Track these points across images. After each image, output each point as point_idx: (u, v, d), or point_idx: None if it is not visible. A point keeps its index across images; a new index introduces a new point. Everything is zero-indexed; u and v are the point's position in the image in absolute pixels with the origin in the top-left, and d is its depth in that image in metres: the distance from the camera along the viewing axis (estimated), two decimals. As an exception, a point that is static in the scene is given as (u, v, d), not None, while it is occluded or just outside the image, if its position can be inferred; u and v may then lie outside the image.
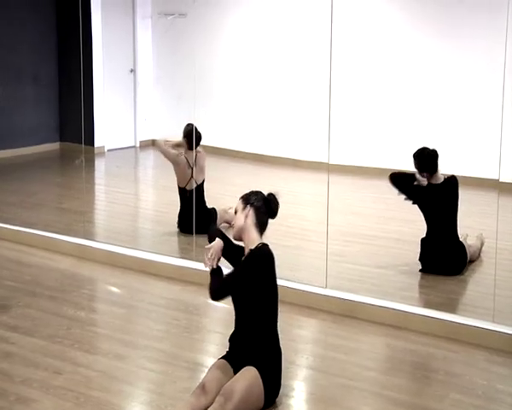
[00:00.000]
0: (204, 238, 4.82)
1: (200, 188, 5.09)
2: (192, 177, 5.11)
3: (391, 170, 6.94)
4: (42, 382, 2.97)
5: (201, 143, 5.22)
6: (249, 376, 2.69)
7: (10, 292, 4.02)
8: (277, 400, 2.89)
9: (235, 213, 2.89)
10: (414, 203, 4.53)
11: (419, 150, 4.48)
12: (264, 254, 2.80)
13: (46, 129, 8.41)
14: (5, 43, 7.70)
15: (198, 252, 4.87)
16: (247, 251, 2.85)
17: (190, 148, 5.14)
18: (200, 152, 5.17)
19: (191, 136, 5.10)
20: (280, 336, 2.88)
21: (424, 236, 4.49)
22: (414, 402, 2.92)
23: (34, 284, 4.19)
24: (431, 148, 4.47)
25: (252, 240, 2.84)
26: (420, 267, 4.41)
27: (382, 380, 3.14)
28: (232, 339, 2.89)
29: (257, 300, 2.79)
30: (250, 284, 2.78)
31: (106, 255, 4.68)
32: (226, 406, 2.56)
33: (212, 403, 2.60)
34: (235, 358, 2.81)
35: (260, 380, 2.71)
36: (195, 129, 5.11)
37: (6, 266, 4.07)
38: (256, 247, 2.82)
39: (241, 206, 2.89)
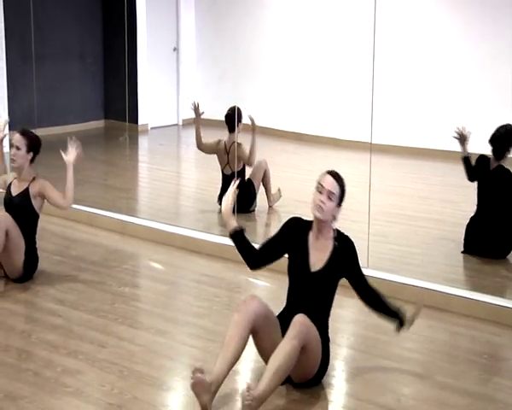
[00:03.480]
0: (243, 217, 4.85)
1: (239, 173, 5.01)
2: (228, 163, 5.08)
3: (432, 150, 6.83)
4: (87, 354, 3.01)
5: (243, 121, 5.16)
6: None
7: (57, 266, 4.09)
8: (317, 379, 2.87)
9: (328, 198, 2.74)
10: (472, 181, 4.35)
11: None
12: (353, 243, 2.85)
13: (91, 107, 8.50)
14: (52, 22, 7.77)
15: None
16: (321, 234, 2.78)
17: (229, 130, 5.09)
18: (238, 144, 5.06)
19: (228, 119, 5.05)
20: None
21: (472, 216, 4.35)
22: (456, 385, 2.85)
23: (79, 259, 4.25)
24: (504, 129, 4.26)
25: (331, 226, 2.82)
26: (462, 249, 4.29)
27: (424, 362, 3.08)
28: (285, 317, 2.83)
29: (334, 285, 2.83)
30: (339, 269, 2.81)
31: (148, 232, 4.71)
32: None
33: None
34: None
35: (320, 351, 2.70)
36: (236, 109, 5.04)
37: (53, 241, 4.14)
38: (340, 233, 2.83)
39: (337, 190, 2.76)
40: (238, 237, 2.85)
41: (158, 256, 4.44)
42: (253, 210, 5.17)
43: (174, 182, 6.50)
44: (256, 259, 2.88)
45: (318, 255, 2.80)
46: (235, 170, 5.01)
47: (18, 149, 3.80)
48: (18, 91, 7.14)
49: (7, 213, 3.72)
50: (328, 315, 2.87)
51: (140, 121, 8.23)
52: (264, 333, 2.73)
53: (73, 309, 3.50)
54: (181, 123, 8.56)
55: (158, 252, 4.49)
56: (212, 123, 7.74)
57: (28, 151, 3.82)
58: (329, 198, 2.74)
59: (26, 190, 3.82)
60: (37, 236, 3.89)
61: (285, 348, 2.55)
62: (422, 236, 4.67)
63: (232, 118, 5.03)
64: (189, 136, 8.77)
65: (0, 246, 3.58)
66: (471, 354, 3.16)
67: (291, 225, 2.88)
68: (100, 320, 3.38)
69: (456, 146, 5.97)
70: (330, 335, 3.22)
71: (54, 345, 3.10)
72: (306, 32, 7.70)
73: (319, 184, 2.76)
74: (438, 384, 2.86)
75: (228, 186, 4.96)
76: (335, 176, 2.78)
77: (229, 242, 4.35)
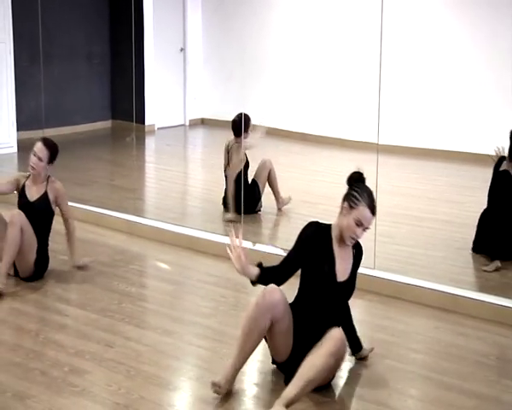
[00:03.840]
0: (249, 218, 4.84)
1: (238, 175, 4.95)
2: (228, 164, 5.06)
3: (438, 150, 6.81)
4: (94, 354, 3.01)
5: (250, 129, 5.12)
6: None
7: (64, 266, 4.09)
8: (324, 380, 2.86)
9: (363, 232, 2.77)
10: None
11: None
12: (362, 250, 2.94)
13: (98, 107, 8.51)
14: (59, 22, 7.79)
15: (245, 231, 4.86)
16: (344, 243, 2.79)
17: (234, 134, 5.06)
18: (237, 146, 5.03)
19: (233, 125, 5.01)
20: (327, 316, 2.83)
21: (480, 218, 4.31)
22: (463, 387, 2.84)
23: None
24: None
25: None
26: (471, 248, 4.27)
27: (430, 363, 3.06)
28: (300, 319, 2.79)
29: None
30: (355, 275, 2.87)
31: (155, 232, 4.71)
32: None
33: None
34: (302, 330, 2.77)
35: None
36: (242, 117, 5.00)
37: (60, 241, 4.14)
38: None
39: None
40: (263, 277, 2.77)
41: (164, 256, 4.44)
42: (259, 210, 5.15)
43: (181, 182, 6.50)
44: (281, 278, 2.80)
45: (343, 264, 2.80)
46: (233, 172, 4.95)
47: (40, 160, 3.81)
48: (26, 91, 7.15)
49: (20, 211, 3.72)
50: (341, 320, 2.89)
51: (147, 122, 8.24)
52: (281, 327, 2.70)
53: (80, 309, 3.50)
54: (188, 123, 8.56)
55: (164, 252, 4.49)
56: (218, 123, 7.75)
57: (49, 162, 3.85)
58: (363, 232, 2.77)
59: (45, 195, 3.86)
60: (50, 235, 3.93)
61: (322, 363, 2.53)
62: (429, 236, 4.65)
63: (238, 125, 4.99)
64: (196, 136, 8.81)
65: (17, 244, 3.60)
66: (478, 356, 3.14)
67: (312, 233, 2.79)
68: (107, 320, 3.38)
69: (463, 147, 5.99)
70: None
71: (61, 345, 3.10)
72: (313, 33, 7.69)
73: (359, 220, 2.71)
74: (445, 386, 2.84)
75: (227, 187, 5.00)
76: (373, 211, 2.75)
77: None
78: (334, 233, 2.81)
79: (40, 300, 3.63)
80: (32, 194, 3.86)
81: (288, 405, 2.47)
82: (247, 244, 4.37)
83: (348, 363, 3.03)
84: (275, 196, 5.16)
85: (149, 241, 4.67)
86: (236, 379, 2.75)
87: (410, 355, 3.12)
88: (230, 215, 4.89)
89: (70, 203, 5.06)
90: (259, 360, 3.07)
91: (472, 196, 5.40)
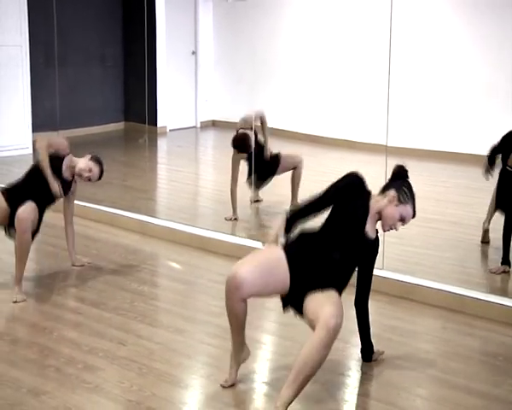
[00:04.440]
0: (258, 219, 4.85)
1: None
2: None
3: (447, 153, 6.78)
4: (107, 352, 3.03)
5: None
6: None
7: (79, 265, 4.12)
8: (331, 378, 2.86)
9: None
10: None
11: None
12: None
13: (112, 109, 8.55)
14: (73, 25, 7.83)
15: (256, 231, 4.87)
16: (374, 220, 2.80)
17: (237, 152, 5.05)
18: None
19: (233, 143, 4.98)
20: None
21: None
22: (471, 387, 2.83)
23: (100, 258, 4.28)
24: None
25: None
26: (480, 249, 4.26)
27: (438, 363, 3.05)
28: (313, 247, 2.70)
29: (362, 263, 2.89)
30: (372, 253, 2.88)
31: (167, 232, 4.73)
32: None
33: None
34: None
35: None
36: (242, 140, 4.97)
37: (75, 241, 4.16)
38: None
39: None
40: (288, 226, 2.76)
41: (176, 256, 4.45)
42: (261, 187, 5.17)
43: (192, 183, 6.52)
44: (309, 214, 2.77)
45: (372, 228, 2.79)
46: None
47: (89, 180, 3.90)
48: (41, 94, 7.20)
49: (34, 206, 3.66)
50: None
51: (159, 123, 8.27)
52: (265, 290, 2.66)
53: (94, 307, 3.53)
54: (199, 125, 8.58)
55: (176, 252, 4.50)
56: (229, 125, 7.75)
57: (98, 179, 3.95)
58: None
59: (71, 183, 3.95)
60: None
61: (315, 357, 2.41)
62: (437, 237, 4.63)
63: (236, 144, 4.97)
64: (207, 138, 8.82)
65: (28, 250, 3.60)
66: (485, 356, 3.13)
67: (358, 181, 2.80)
68: (120, 318, 3.39)
69: (470, 149, 5.94)
70: (345, 335, 3.23)
71: (75, 342, 3.12)
72: (322, 35, 7.68)
73: (403, 216, 2.78)
74: (452, 385, 2.83)
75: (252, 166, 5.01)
76: (415, 213, 2.85)
77: (245, 242, 4.41)
78: (373, 205, 2.78)
79: (55, 298, 3.66)
80: (66, 174, 3.89)
81: (286, 407, 2.43)
82: (258, 244, 4.39)
83: (356, 362, 3.03)
84: (292, 195, 5.13)
85: (161, 241, 4.69)
86: (246, 377, 2.75)
87: (417, 355, 3.11)
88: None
89: (84, 203, 5.13)
90: (269, 358, 3.08)
91: (479, 198, 5.37)
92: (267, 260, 2.68)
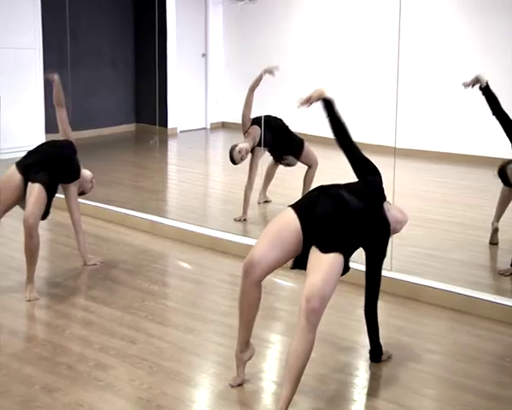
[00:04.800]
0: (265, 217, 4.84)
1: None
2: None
3: (454, 154, 6.75)
4: (118, 350, 3.04)
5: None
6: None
7: (90, 265, 4.14)
8: (340, 377, 2.85)
9: None
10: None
11: None
12: None
13: (123, 111, 8.59)
14: (86, 29, 7.88)
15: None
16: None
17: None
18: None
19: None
20: (344, 316, 2.83)
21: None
22: (478, 387, 2.81)
23: (111, 258, 4.30)
24: None
25: None
26: (488, 250, 4.24)
27: (446, 364, 3.04)
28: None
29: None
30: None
31: (177, 232, 4.74)
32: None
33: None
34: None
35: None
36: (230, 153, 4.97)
37: (87, 240, 4.18)
38: None
39: None
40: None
41: (186, 256, 4.46)
42: (282, 162, 5.20)
43: (202, 184, 6.53)
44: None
45: None
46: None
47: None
48: (54, 96, 7.24)
49: (43, 198, 3.64)
50: None
51: (169, 125, 8.30)
52: (279, 260, 2.60)
53: (105, 306, 3.54)
54: (209, 127, 8.60)
55: (186, 252, 4.51)
56: (238, 127, 7.73)
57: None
58: None
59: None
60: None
61: (304, 348, 2.36)
62: (445, 239, 4.62)
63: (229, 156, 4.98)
64: (217, 139, 8.84)
65: (37, 250, 3.62)
66: (494, 357, 3.11)
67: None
68: (130, 317, 3.41)
69: (478, 150, 5.90)
70: (353, 335, 3.22)
71: (87, 340, 3.13)
72: (331, 38, 7.68)
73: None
74: (460, 386, 2.82)
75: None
76: None
77: (255, 242, 4.40)
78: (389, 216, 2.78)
79: (67, 297, 3.68)
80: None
81: (287, 406, 2.41)
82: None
83: (364, 362, 3.02)
84: (304, 190, 5.10)
85: (171, 241, 4.70)
86: (255, 376, 2.75)
87: (425, 356, 3.10)
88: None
89: (95, 204, 5.16)
90: (277, 357, 3.08)
91: (487, 200, 5.34)
92: (278, 228, 2.59)
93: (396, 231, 2.87)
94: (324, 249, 2.50)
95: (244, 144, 4.98)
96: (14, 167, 3.76)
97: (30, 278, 3.61)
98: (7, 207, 3.76)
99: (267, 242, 2.59)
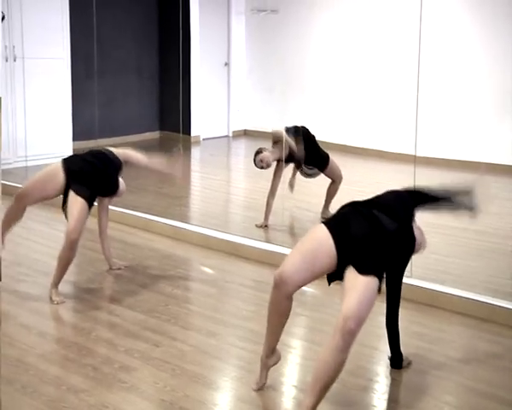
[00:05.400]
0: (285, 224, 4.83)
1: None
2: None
3: (475, 162, 6.68)
4: (142, 353, 3.07)
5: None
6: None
7: (115, 269, 4.18)
8: (360, 383, 2.84)
9: None
10: None
11: None
12: None
13: (148, 119, 8.67)
14: (112, 38, 7.98)
15: (287, 237, 4.87)
16: None
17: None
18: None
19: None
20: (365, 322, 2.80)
21: None
22: (499, 395, 2.78)
23: (136, 262, 4.34)
24: None
25: None
26: (510, 258, 4.18)
27: (466, 371, 3.01)
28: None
29: None
30: None
31: (200, 238, 4.77)
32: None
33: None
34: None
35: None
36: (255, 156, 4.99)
37: (112, 245, 4.23)
38: None
39: None
40: None
41: (208, 261, 4.48)
42: (308, 177, 5.16)
43: (224, 190, 6.55)
44: None
45: None
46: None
47: None
48: (81, 104, 7.35)
49: (85, 213, 3.72)
50: None
51: (193, 133, 8.35)
52: (311, 275, 2.59)
53: (130, 309, 3.57)
54: (231, 134, 8.64)
55: (209, 257, 4.54)
56: (260, 134, 7.78)
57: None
58: None
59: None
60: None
61: (329, 363, 2.34)
62: (465, 246, 4.57)
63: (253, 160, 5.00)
64: (239, 146, 8.87)
65: (70, 263, 3.70)
66: (514, 365, 3.08)
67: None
68: (154, 321, 3.43)
69: (499, 159, 5.81)
70: (373, 341, 3.21)
71: (111, 343, 3.17)
72: (352, 46, 7.66)
73: None
74: (481, 393, 2.79)
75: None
76: None
77: (277, 249, 4.42)
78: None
79: (93, 300, 3.72)
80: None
81: None
82: (287, 251, 4.39)
83: (384, 368, 3.01)
84: (325, 204, 5.12)
85: (194, 246, 4.73)
86: (276, 380, 2.76)
87: (446, 362, 3.07)
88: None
89: (121, 209, 5.21)
90: (299, 362, 3.08)
91: (508, 208, 5.28)
92: (311, 246, 2.58)
93: (416, 252, 2.87)
94: (362, 271, 2.49)
95: (268, 155, 4.96)
96: (59, 165, 3.80)
97: (55, 283, 3.67)
98: (44, 198, 3.86)
99: (299, 259, 2.58)
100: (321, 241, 2.58)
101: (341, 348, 2.35)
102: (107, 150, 3.99)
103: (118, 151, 4.00)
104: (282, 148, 4.97)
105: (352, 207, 2.69)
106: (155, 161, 4.10)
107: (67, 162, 3.83)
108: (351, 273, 2.51)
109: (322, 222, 2.66)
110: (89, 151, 4.03)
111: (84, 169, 3.80)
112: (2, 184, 5.93)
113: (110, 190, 3.98)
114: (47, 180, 3.79)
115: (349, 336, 2.36)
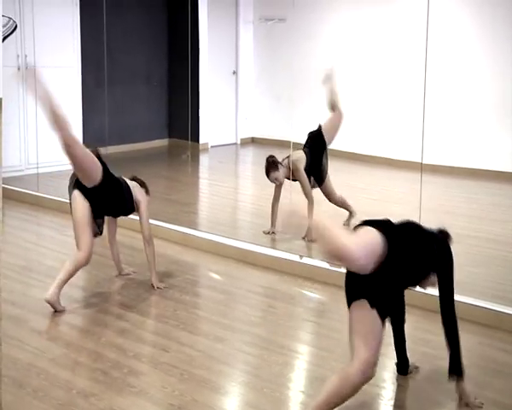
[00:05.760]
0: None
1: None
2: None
3: (482, 170, 6.67)
4: (151, 357, 3.09)
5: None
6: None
7: (124, 274, 4.20)
8: (366, 388, 2.84)
9: None
10: None
11: None
12: None
13: (157, 126, 8.72)
14: (121, 47, 8.04)
15: (295, 244, 4.88)
16: None
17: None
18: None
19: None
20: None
21: None
22: (506, 402, 2.77)
23: (144, 268, 4.35)
24: None
25: None
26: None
27: (473, 377, 2.99)
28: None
29: None
30: None
31: (208, 244, 4.78)
32: None
33: None
34: None
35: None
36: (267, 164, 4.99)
37: (121, 251, 4.26)
38: None
39: None
40: None
41: (216, 267, 4.50)
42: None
43: (232, 197, 6.57)
44: None
45: None
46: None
47: None
48: (91, 112, 7.41)
49: (88, 249, 3.74)
50: None
51: (201, 140, 8.39)
52: None
53: (138, 314, 3.59)
54: (239, 142, 8.67)
55: (217, 263, 4.55)
56: (268, 142, 7.80)
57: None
58: None
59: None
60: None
61: (342, 393, 2.42)
62: (472, 254, 4.56)
63: (266, 170, 4.99)
64: (247, 154, 8.90)
65: (77, 271, 3.71)
66: (521, 372, 3.07)
67: None
68: (162, 326, 3.45)
69: (505, 166, 5.80)
70: (381, 349, 3.20)
71: (121, 348, 3.19)
72: (359, 55, 7.68)
73: None
74: (488, 401, 2.78)
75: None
76: None
77: (284, 255, 4.43)
78: None
79: (102, 305, 3.74)
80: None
81: None
82: (295, 257, 4.40)
83: (391, 374, 3.01)
84: (347, 210, 5.13)
85: (202, 252, 4.75)
86: (283, 386, 2.76)
87: (452, 369, 3.06)
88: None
89: (129, 216, 5.23)
90: (305, 368, 3.08)
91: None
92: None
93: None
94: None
95: (282, 174, 4.95)
96: (77, 192, 3.86)
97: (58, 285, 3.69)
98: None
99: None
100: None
101: (357, 386, 2.45)
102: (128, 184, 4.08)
103: (137, 197, 4.09)
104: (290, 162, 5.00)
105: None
106: (149, 251, 4.02)
107: (82, 188, 3.87)
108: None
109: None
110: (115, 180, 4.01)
111: (101, 201, 3.84)
112: (14, 191, 6.00)
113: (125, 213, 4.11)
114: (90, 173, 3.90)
115: (368, 379, 2.50)
